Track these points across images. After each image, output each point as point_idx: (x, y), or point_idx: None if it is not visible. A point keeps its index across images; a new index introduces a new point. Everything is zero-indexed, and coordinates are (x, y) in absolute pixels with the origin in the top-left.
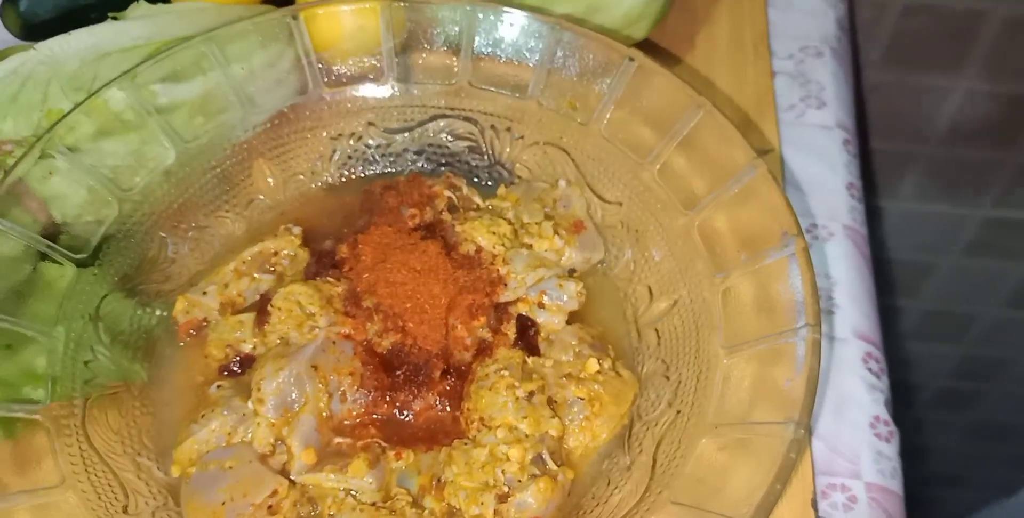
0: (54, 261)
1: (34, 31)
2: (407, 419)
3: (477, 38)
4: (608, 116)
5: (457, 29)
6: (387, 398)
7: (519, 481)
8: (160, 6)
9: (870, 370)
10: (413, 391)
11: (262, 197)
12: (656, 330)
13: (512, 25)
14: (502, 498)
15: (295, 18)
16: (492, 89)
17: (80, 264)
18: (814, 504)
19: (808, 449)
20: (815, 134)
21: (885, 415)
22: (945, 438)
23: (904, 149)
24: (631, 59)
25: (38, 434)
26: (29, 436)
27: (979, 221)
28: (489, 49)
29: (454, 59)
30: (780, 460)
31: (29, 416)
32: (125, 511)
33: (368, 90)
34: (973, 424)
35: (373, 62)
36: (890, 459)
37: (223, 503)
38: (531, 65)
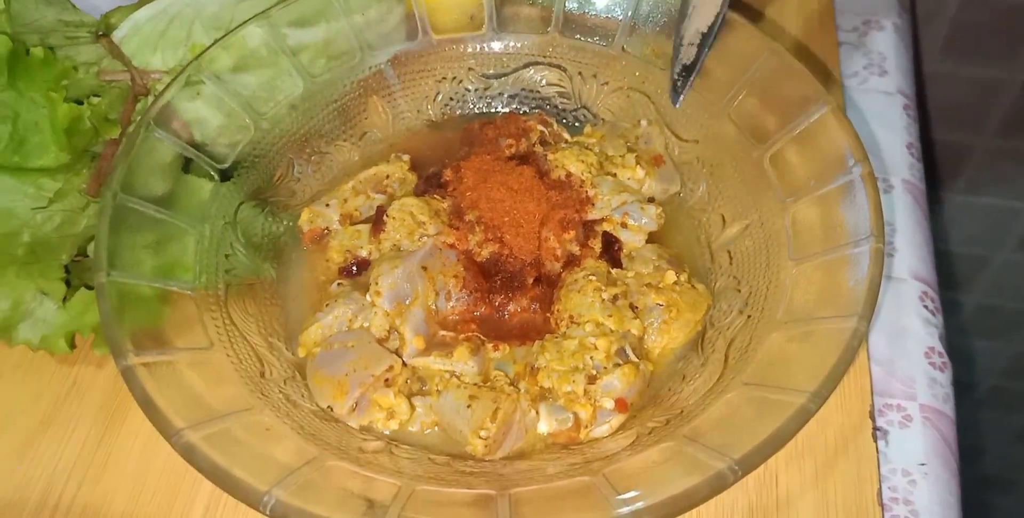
0: (196, 174)
1: None
2: (503, 318)
3: None
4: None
5: None
6: (486, 299)
7: (605, 367)
8: None
9: (926, 308)
10: (509, 295)
11: (375, 130)
12: (728, 251)
13: None
14: (591, 380)
15: None
16: (581, 39)
17: (221, 176)
18: (872, 416)
19: (868, 369)
20: (877, 99)
21: (940, 347)
22: (998, 440)
23: (960, 140)
24: None
25: (189, 306)
26: (183, 309)
27: None
28: (579, 2)
29: (548, 11)
30: (844, 345)
31: (181, 290)
32: (262, 375)
33: (469, 39)
34: (1021, 428)
35: (475, 13)
36: (943, 386)
37: (346, 374)
38: (617, 16)
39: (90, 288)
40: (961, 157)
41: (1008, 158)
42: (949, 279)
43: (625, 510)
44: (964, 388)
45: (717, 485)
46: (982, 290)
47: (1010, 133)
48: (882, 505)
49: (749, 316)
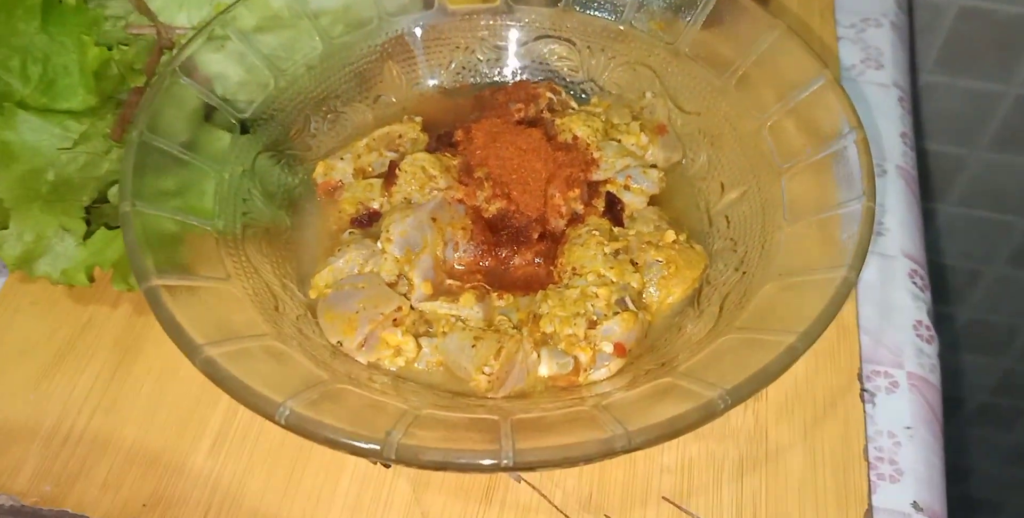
0: (217, 125)
1: None
2: (508, 270)
3: None
4: (692, 38)
5: None
6: (492, 252)
7: (605, 314)
8: None
9: (915, 284)
10: (514, 248)
11: (389, 94)
12: (726, 216)
13: None
14: (591, 324)
15: None
16: (591, 13)
17: (240, 128)
18: (860, 378)
19: (857, 336)
20: (873, 90)
21: (927, 321)
22: (986, 460)
23: (954, 152)
24: None
25: (208, 242)
26: (202, 244)
27: None
28: None
29: None
30: (834, 291)
31: (201, 225)
32: (276, 309)
33: (483, 10)
34: (1015, 446)
35: None
36: (930, 357)
37: (356, 312)
38: None
39: (110, 228)
40: (955, 169)
41: (1001, 171)
42: (941, 293)
43: (619, 432)
44: (952, 404)
45: (707, 412)
46: (973, 304)
47: (1003, 146)
48: (868, 461)
49: (744, 273)
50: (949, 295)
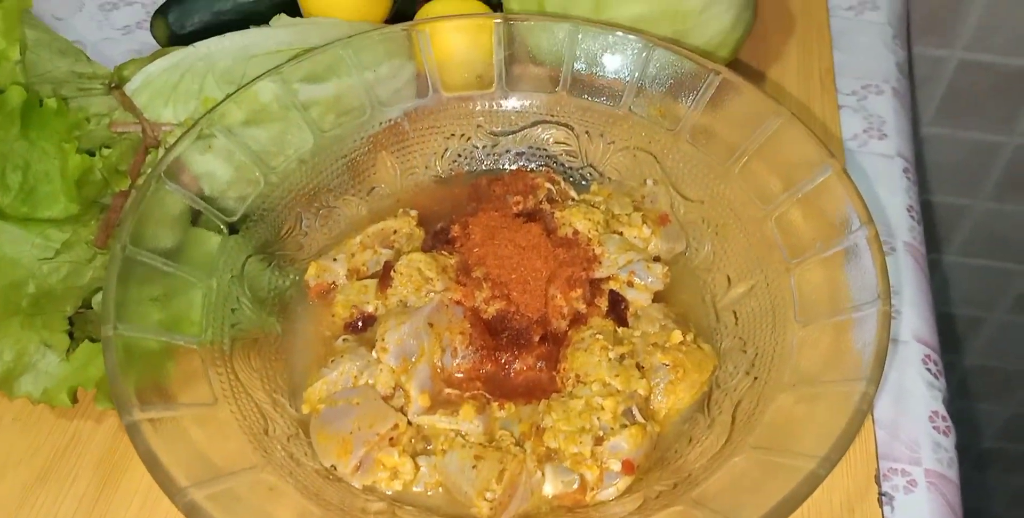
0: (205, 227)
1: (179, 41)
2: (508, 376)
3: (577, 53)
4: (693, 123)
5: (560, 45)
6: (492, 357)
7: (612, 428)
8: (299, 18)
9: (929, 370)
10: (515, 352)
11: (383, 185)
12: (734, 312)
13: (609, 43)
14: (598, 441)
15: (421, 31)
16: (588, 99)
17: (229, 229)
18: (877, 480)
19: (872, 433)
20: (877, 162)
21: (943, 411)
22: (993, 503)
23: (955, 202)
24: (717, 72)
25: (195, 361)
26: (188, 363)
27: None
28: (587, 63)
29: (556, 71)
30: (853, 408)
31: (187, 345)
32: (265, 432)
33: (478, 97)
34: (1021, 490)
35: (484, 72)
36: (947, 451)
37: (351, 432)
38: (625, 78)
39: (93, 341)
40: (956, 218)
41: (1002, 220)
42: (944, 340)
43: None
44: (957, 450)
45: None
46: (977, 351)
47: (1004, 196)
48: None
49: (756, 378)
50: (953, 342)
